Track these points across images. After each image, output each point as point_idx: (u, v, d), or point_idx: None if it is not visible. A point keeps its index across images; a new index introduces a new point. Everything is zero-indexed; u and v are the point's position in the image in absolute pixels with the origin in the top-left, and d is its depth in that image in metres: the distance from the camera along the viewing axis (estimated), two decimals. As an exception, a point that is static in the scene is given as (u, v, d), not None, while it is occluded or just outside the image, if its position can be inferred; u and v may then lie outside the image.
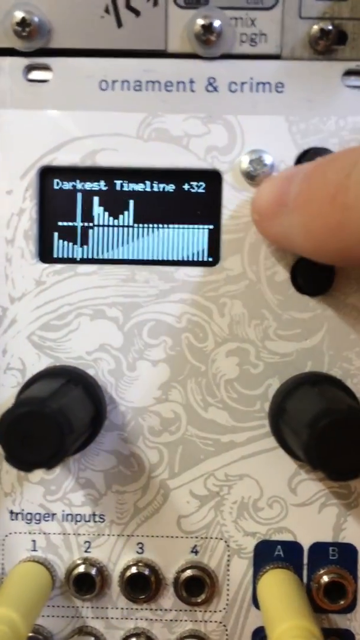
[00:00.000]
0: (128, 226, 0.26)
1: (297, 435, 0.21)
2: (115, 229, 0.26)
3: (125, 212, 0.26)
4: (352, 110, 0.25)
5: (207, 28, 0.24)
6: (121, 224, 0.26)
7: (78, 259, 0.26)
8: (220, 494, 0.26)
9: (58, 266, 0.26)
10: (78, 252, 0.26)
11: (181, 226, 0.26)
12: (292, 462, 0.25)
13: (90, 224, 0.26)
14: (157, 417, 0.26)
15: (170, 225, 0.26)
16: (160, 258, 0.26)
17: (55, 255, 0.26)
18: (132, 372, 0.26)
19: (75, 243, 0.26)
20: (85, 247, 0.26)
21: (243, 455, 0.26)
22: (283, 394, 0.24)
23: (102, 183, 0.26)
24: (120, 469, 0.26)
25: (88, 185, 0.26)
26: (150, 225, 0.26)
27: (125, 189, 0.26)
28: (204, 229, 0.26)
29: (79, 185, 0.26)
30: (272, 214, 0.23)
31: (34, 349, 0.26)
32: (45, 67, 0.25)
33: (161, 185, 0.26)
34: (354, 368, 0.25)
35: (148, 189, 0.26)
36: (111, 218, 0.26)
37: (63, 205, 0.26)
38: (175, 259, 0.26)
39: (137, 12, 0.25)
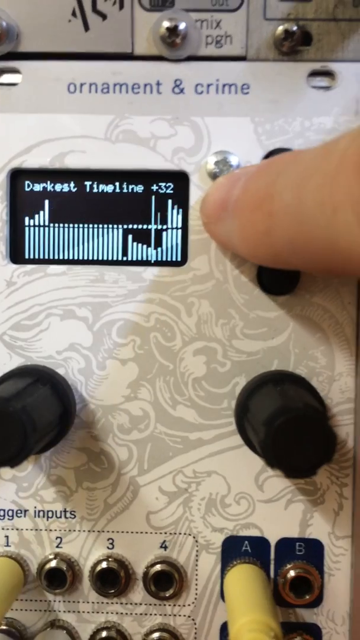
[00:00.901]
0: (95, 227, 0.26)
1: (256, 433, 0.22)
2: (82, 229, 0.26)
3: (92, 213, 0.26)
4: (317, 111, 0.25)
5: (173, 30, 0.25)
6: (87, 224, 0.26)
7: (47, 259, 0.26)
8: (188, 490, 0.26)
9: (28, 267, 0.26)
10: (47, 252, 0.26)
11: (148, 226, 0.26)
12: (258, 459, 0.26)
13: (58, 225, 0.26)
14: (127, 415, 0.26)
15: (137, 226, 0.26)
16: (128, 258, 0.26)
17: (25, 256, 0.26)
18: (102, 371, 0.26)
19: (44, 244, 0.26)
20: (54, 247, 0.26)
21: (211, 452, 0.26)
22: (247, 392, 0.24)
23: (72, 184, 0.26)
24: (91, 466, 0.26)
25: (58, 187, 0.26)
26: (118, 226, 0.26)
27: (94, 190, 0.26)
28: (171, 229, 0.26)
29: (49, 187, 0.26)
30: (216, 217, 0.23)
31: (5, 349, 0.26)
32: (15, 71, 0.26)
33: (130, 186, 0.26)
34: (319, 366, 0.25)
35: (117, 190, 0.26)
36: (76, 218, 0.26)
37: (33, 207, 0.26)
38: (143, 259, 0.26)
39: (103, 16, 0.25)
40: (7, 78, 0.26)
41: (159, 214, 0.26)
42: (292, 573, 0.26)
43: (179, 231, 0.26)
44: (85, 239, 0.26)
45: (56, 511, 0.26)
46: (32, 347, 0.26)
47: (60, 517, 0.26)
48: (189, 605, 0.26)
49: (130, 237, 0.26)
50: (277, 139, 0.25)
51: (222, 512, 0.26)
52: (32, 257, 0.26)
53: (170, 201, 0.26)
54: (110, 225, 0.26)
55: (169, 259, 0.26)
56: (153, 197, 0.26)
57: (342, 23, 0.25)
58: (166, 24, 0.25)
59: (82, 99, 0.26)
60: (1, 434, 0.21)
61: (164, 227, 0.26)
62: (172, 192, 0.26)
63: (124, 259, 0.26)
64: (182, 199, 0.26)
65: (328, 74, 0.25)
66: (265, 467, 0.26)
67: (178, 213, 0.26)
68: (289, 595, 0.26)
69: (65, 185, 0.26)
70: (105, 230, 0.26)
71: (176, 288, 0.26)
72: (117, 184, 0.26)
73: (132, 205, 0.26)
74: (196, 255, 0.26)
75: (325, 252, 0.18)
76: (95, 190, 0.26)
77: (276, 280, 0.25)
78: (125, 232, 0.26)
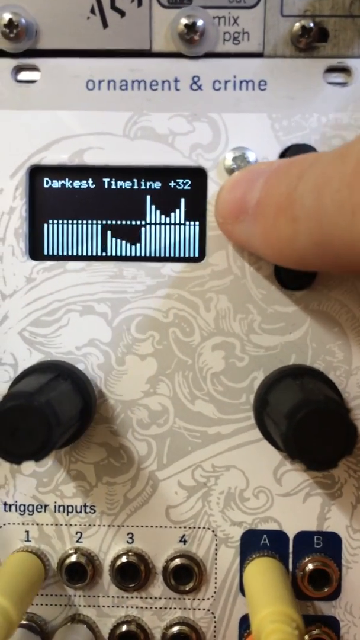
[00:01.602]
0: (113, 223, 0.26)
1: (277, 426, 0.22)
2: (101, 226, 0.26)
3: (110, 209, 0.26)
4: (333, 106, 0.25)
5: (191, 27, 0.25)
6: (106, 220, 0.26)
7: (66, 256, 0.26)
8: (207, 484, 0.26)
9: (48, 263, 0.26)
10: (66, 249, 0.26)
11: (167, 223, 0.26)
12: (277, 453, 0.26)
13: (77, 221, 0.26)
14: (146, 410, 0.26)
15: (155, 221, 0.26)
16: (147, 254, 0.26)
17: (45, 253, 0.27)
18: (121, 366, 0.26)
19: (63, 240, 0.26)
20: (73, 244, 0.26)
21: (229, 446, 0.26)
22: (266, 386, 0.24)
23: (91, 181, 0.26)
24: (110, 461, 0.26)
25: (76, 184, 0.26)
26: (137, 222, 0.26)
27: (113, 186, 0.26)
28: (190, 225, 0.26)
29: (67, 184, 0.26)
30: (234, 218, 0.23)
31: (25, 345, 0.26)
32: (34, 68, 0.26)
33: (148, 183, 0.26)
34: (337, 360, 0.26)
35: (135, 187, 0.26)
36: (95, 215, 0.26)
37: (52, 203, 0.26)
38: (161, 255, 0.26)
39: (122, 13, 0.25)
40: (26, 75, 0.26)
41: (176, 210, 0.26)
42: (310, 566, 0.26)
43: (197, 227, 0.26)
44: (103, 235, 0.26)
45: (76, 506, 0.27)
46: (51, 343, 0.26)
47: (80, 512, 0.27)
48: (208, 599, 0.27)
49: (148, 232, 0.26)
50: (294, 134, 0.25)
51: (240, 506, 0.26)
52: (51, 253, 0.26)
53: (188, 197, 0.26)
54: (128, 221, 0.26)
55: (187, 254, 0.26)
56: (171, 193, 0.26)
57: (359, 19, 0.25)
58: (184, 20, 0.25)
59: (101, 96, 0.26)
60: (26, 428, 0.21)
61: (182, 223, 0.26)
62: (189, 188, 0.26)
63: (143, 254, 0.26)
64: (200, 195, 0.26)
65: (344, 70, 0.25)
66: (284, 461, 0.26)
67: (196, 209, 0.26)
68: (308, 588, 0.26)
69: (84, 182, 0.26)
70: (123, 226, 0.26)
71: (194, 284, 0.26)
72: (135, 180, 0.26)
73: (150, 201, 0.26)
74: (214, 251, 0.26)
75: (347, 253, 0.18)
76: (113, 186, 0.26)
77: (293, 276, 0.26)
78: (143, 228, 0.26)
